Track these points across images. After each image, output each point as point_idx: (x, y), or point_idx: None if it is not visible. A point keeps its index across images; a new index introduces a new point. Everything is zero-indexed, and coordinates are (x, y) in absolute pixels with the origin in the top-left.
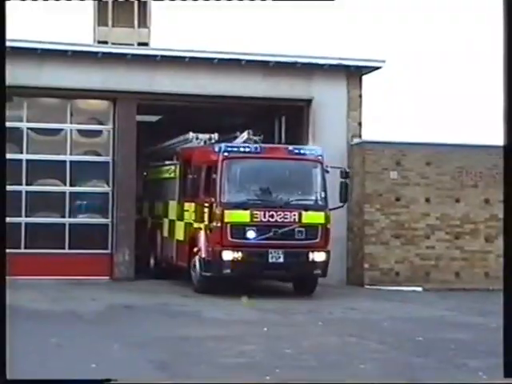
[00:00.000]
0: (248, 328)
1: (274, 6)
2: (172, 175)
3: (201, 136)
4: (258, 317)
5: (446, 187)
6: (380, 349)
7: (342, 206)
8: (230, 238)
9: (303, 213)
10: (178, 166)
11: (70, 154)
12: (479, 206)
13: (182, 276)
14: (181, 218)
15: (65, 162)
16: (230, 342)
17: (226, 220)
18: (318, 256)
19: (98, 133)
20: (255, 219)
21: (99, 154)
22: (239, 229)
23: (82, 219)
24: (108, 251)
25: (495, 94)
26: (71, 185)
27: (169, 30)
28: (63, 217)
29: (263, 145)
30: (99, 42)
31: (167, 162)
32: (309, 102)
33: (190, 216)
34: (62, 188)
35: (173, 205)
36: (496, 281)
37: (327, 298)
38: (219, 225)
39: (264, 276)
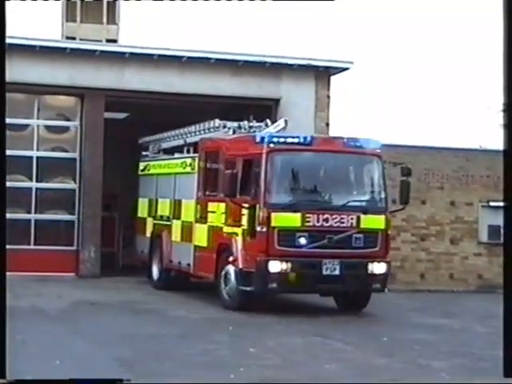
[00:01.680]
0: (213, 326)
1: (244, 5)
2: (187, 170)
3: (229, 124)
4: (222, 315)
5: (412, 189)
6: (344, 349)
7: (403, 209)
8: (277, 246)
9: (361, 216)
10: (196, 160)
11: (37, 150)
12: (445, 207)
13: (203, 288)
14: (202, 220)
15: (31, 157)
16: (194, 339)
17: (273, 224)
18: (378, 267)
19: (66, 129)
20: (307, 223)
21: (66, 151)
22: (289, 235)
23: (48, 215)
24: (74, 248)
25: (463, 96)
26: (38, 181)
27: (138, 27)
28: (29, 213)
29: (315, 135)
30: (67, 38)
31: (178, 155)
32: (277, 101)
33: (217, 218)
34: (28, 184)
35: (188, 204)
36: (460, 282)
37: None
38: (265, 230)
39: (316, 290)
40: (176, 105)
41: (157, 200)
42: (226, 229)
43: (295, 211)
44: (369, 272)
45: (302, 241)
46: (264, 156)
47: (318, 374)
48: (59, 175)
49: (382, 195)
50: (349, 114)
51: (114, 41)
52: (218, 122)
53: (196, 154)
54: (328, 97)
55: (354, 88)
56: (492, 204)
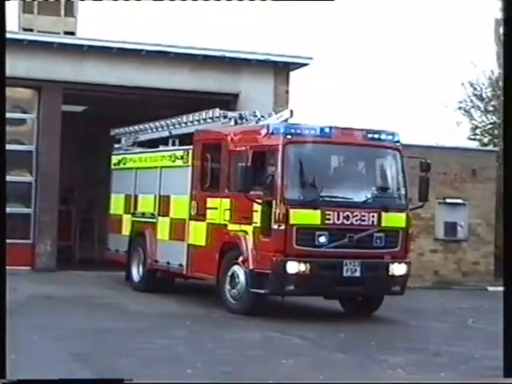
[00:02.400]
0: (171, 321)
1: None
2: (177, 163)
3: (230, 114)
4: (180, 310)
5: None
6: (302, 344)
7: (422, 206)
8: (295, 246)
9: (383, 214)
10: (191, 152)
11: None
12: None
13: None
14: (199, 217)
15: None
16: (152, 335)
17: (291, 222)
18: (399, 269)
19: (22, 121)
20: (327, 221)
21: (23, 143)
22: (308, 233)
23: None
24: (30, 241)
25: (420, 93)
26: None
27: (96, 19)
28: None
29: (333, 126)
30: (24, 30)
31: (164, 148)
32: (236, 96)
33: (219, 215)
34: None
35: (179, 200)
36: (417, 279)
37: None
38: (282, 228)
39: (335, 294)
40: (135, 99)
41: (136, 196)
42: (232, 226)
43: (315, 208)
44: (389, 274)
45: (322, 240)
46: (280, 148)
47: (275, 369)
48: (15, 168)
49: (403, 191)
50: (309, 110)
51: (72, 33)
52: (218, 111)
53: (188, 147)
54: (287, 92)
55: (314, 83)
56: (448, 201)
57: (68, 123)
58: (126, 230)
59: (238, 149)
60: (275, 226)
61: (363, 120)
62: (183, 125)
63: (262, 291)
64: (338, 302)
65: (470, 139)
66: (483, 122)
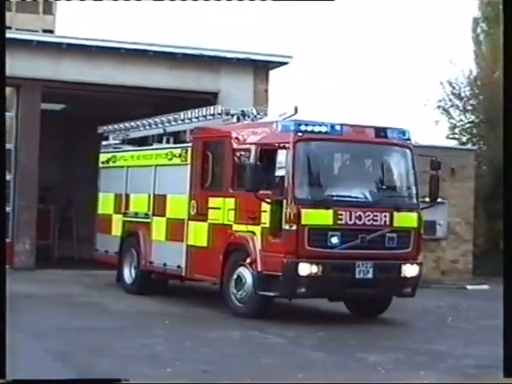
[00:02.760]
0: (150, 320)
1: None
2: (174, 161)
3: (233, 111)
4: (160, 309)
5: None
6: (281, 343)
7: (432, 206)
8: (307, 247)
9: (395, 213)
10: (191, 150)
11: None
12: None
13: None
14: (200, 217)
15: None
16: (132, 333)
17: (303, 222)
18: (411, 270)
19: None
20: (339, 221)
21: None
22: (320, 234)
23: None
24: (8, 240)
25: (399, 92)
26: None
27: (75, 17)
28: None
29: (344, 123)
30: None
31: (159, 146)
32: (215, 94)
33: (223, 216)
34: None
35: (177, 200)
36: None
37: None
38: (294, 228)
39: (347, 296)
40: (114, 97)
41: (127, 195)
42: (238, 227)
43: (327, 208)
44: (401, 275)
45: (334, 240)
46: (291, 146)
47: (254, 368)
48: None
49: (414, 190)
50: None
51: (51, 31)
52: (220, 108)
53: (187, 144)
54: (266, 91)
55: (293, 82)
56: (428, 199)
57: (47, 121)
58: (117, 230)
59: (243, 147)
60: (286, 227)
61: (342, 118)
62: (180, 122)
63: (272, 294)
64: (319, 301)
65: (449, 138)
66: (462, 120)
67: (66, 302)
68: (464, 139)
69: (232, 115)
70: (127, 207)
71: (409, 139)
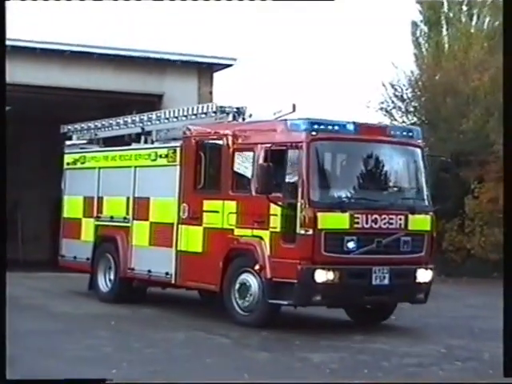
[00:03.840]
0: (96, 322)
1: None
2: (159, 162)
3: (228, 108)
4: (106, 310)
5: None
6: (226, 343)
7: (443, 207)
8: (324, 252)
9: (409, 216)
10: (180, 150)
11: None
12: None
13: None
14: (193, 221)
15: None
16: (78, 335)
17: (319, 226)
18: (425, 275)
19: None
20: (356, 225)
21: None
22: (336, 238)
23: None
24: None
25: (343, 92)
26: None
27: (20, 20)
28: None
29: (358, 121)
30: None
31: (137, 145)
32: (160, 96)
33: (222, 219)
34: None
35: (163, 203)
36: None
37: None
38: (310, 233)
39: (362, 303)
40: (60, 100)
41: (100, 198)
42: (241, 231)
43: (343, 211)
44: (416, 281)
45: (351, 245)
46: (305, 146)
47: (200, 368)
48: None
49: (426, 192)
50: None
51: None
52: (214, 105)
53: (175, 144)
54: (210, 93)
55: (239, 83)
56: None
57: None
58: (88, 235)
59: (246, 146)
60: (301, 231)
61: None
62: (164, 121)
63: (285, 302)
64: None
65: None
66: (404, 122)
67: (13, 303)
68: None
69: (227, 113)
70: (100, 211)
71: (420, 138)
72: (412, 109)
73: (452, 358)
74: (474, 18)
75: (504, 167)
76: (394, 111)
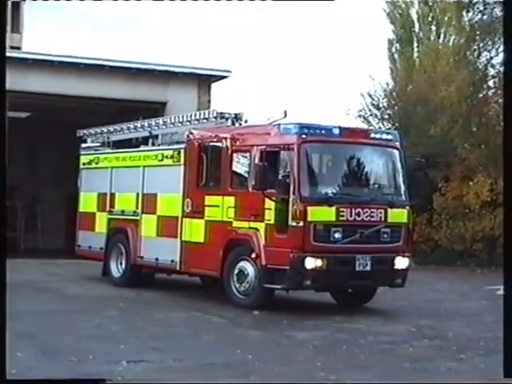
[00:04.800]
0: (106, 303)
1: (136, 16)
2: (165, 162)
3: (227, 114)
4: (115, 293)
5: None
6: (221, 322)
7: (417, 203)
8: (312, 242)
9: (388, 210)
10: (184, 152)
11: None
12: None
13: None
14: (196, 214)
15: None
16: (90, 315)
17: (309, 219)
18: (402, 262)
19: None
20: (341, 218)
21: None
22: (324, 230)
23: None
24: None
25: (324, 100)
26: None
27: (40, 36)
28: None
29: (342, 126)
30: None
31: (146, 148)
32: (164, 104)
33: (221, 213)
34: None
35: (169, 198)
36: None
37: None
38: (300, 225)
39: (347, 288)
40: (75, 107)
41: (112, 194)
42: (238, 224)
43: (330, 205)
44: (394, 267)
45: (337, 236)
46: (296, 147)
47: (197, 344)
48: None
49: (403, 188)
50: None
51: (18, 48)
52: (215, 111)
53: (179, 146)
54: (209, 101)
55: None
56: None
57: (13, 128)
58: (101, 227)
59: (243, 148)
60: (293, 223)
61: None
62: (170, 125)
63: (279, 287)
64: None
65: None
66: (380, 128)
67: (31, 287)
68: None
69: (226, 119)
70: (112, 206)
71: (397, 141)
72: (387, 116)
73: (420, 336)
74: (441, 36)
75: (504, 167)
76: (370, 118)
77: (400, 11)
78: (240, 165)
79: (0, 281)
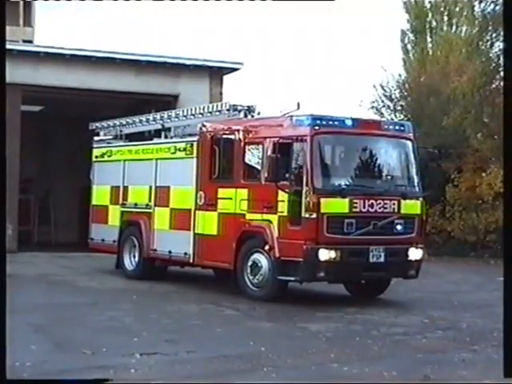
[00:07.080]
0: (119, 295)
1: (147, 9)
2: (178, 155)
3: (240, 106)
4: (128, 286)
5: None
6: (234, 315)
7: (430, 194)
8: (326, 233)
9: (402, 201)
10: (197, 144)
11: None
12: None
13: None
14: (209, 207)
15: None
16: (103, 307)
17: (322, 210)
18: (415, 253)
19: None
20: (354, 209)
21: None
22: (337, 221)
23: None
24: None
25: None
26: None
27: (52, 29)
28: None
29: (355, 117)
30: None
31: (159, 140)
32: (176, 97)
33: (234, 205)
34: None
35: (182, 191)
36: None
37: None
38: (314, 216)
39: (361, 279)
40: (87, 100)
41: (125, 187)
42: (251, 216)
43: (343, 197)
44: (408, 258)
45: (350, 227)
46: (309, 139)
47: (211, 336)
48: None
49: (416, 179)
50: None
51: (30, 41)
52: (228, 104)
53: (192, 139)
54: (221, 93)
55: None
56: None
57: (26, 121)
58: (114, 220)
59: (256, 141)
60: (306, 215)
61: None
62: (182, 118)
63: (292, 278)
64: None
65: None
66: (392, 119)
67: (44, 280)
68: None
69: (239, 111)
70: (125, 198)
71: (410, 132)
72: (399, 107)
73: (434, 327)
74: (454, 26)
75: (504, 167)
76: (383, 110)
77: (416, 0)
78: (253, 157)
79: (0, 281)
